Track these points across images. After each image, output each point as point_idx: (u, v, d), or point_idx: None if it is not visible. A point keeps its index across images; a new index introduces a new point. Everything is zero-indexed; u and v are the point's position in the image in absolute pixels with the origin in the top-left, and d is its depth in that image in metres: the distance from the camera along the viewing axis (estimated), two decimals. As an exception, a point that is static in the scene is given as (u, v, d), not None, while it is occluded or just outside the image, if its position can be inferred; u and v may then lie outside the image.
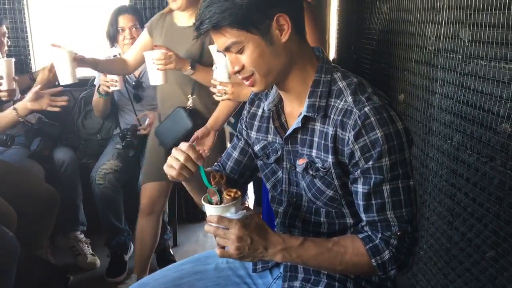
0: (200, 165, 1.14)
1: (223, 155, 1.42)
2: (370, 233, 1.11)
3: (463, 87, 1.60)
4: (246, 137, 1.35)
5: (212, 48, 2.07)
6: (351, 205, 1.16)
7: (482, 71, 1.49)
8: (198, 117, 2.22)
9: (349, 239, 1.13)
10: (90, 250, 2.76)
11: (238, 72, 1.13)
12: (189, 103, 2.25)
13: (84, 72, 3.27)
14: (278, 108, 1.25)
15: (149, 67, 2.09)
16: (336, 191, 1.14)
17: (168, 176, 1.18)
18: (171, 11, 2.24)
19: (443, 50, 1.75)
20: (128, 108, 2.78)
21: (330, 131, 1.10)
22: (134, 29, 2.67)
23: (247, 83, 1.14)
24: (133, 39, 2.64)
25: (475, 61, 1.53)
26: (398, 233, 1.08)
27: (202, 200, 1.12)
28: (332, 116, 1.11)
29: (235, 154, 1.38)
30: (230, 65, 1.13)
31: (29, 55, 3.11)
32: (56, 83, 2.41)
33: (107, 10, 2.79)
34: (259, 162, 1.33)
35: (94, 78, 2.84)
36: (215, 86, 2.03)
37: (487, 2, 1.44)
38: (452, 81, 1.67)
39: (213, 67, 2.07)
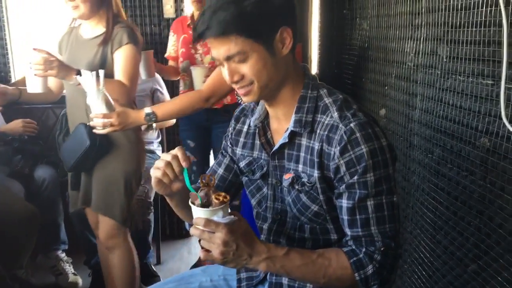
0: (185, 167, 1.11)
1: (207, 171, 1.41)
2: (354, 247, 1.12)
3: (442, 102, 1.63)
4: (231, 154, 1.35)
5: (81, 78, 1.82)
6: (335, 220, 1.17)
7: (460, 86, 1.51)
8: (99, 134, 1.95)
9: (333, 252, 1.13)
10: (72, 269, 2.71)
11: (236, 82, 1.12)
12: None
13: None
14: (264, 125, 1.26)
15: (27, 73, 1.94)
16: (321, 206, 1.15)
17: (153, 180, 1.15)
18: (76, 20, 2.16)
19: (422, 66, 1.78)
20: (110, 124, 2.75)
21: (316, 146, 1.12)
22: None
23: (242, 91, 1.14)
24: None
25: (453, 76, 1.56)
26: (382, 249, 1.09)
27: (189, 202, 1.10)
28: (318, 131, 1.12)
29: (220, 171, 1.38)
30: (227, 75, 1.12)
31: (9, 66, 3.12)
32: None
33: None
34: (245, 179, 1.33)
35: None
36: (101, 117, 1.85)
37: (464, 20, 1.47)
38: (432, 96, 1.70)
39: (87, 100, 1.86)
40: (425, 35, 1.75)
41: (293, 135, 1.16)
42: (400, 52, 1.98)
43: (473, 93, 1.45)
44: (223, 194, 1.09)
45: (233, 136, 1.34)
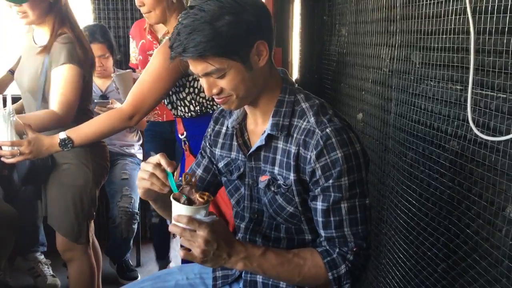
0: (169, 171, 1.12)
1: (187, 171, 1.44)
2: (328, 247, 1.16)
3: (415, 107, 1.68)
4: (210, 155, 1.38)
5: None
6: (310, 221, 1.20)
7: (431, 91, 1.57)
8: None
9: (308, 252, 1.17)
10: (51, 271, 2.70)
11: (216, 94, 1.15)
12: None
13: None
14: (241, 126, 1.29)
15: None
16: (296, 207, 1.18)
17: (140, 191, 1.17)
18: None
19: (396, 72, 1.83)
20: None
21: (293, 149, 1.15)
22: (103, 58, 2.70)
23: (220, 101, 1.16)
24: (102, 67, 2.67)
25: (426, 82, 1.61)
26: (354, 249, 1.14)
27: (171, 197, 1.10)
28: (295, 135, 1.16)
29: (199, 171, 1.40)
30: (206, 89, 1.14)
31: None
32: None
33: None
34: (223, 179, 1.36)
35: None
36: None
37: (436, 27, 1.53)
38: (405, 101, 1.75)
39: None
40: (399, 41, 1.81)
41: (269, 138, 1.20)
42: (376, 58, 2.03)
43: (443, 98, 1.50)
44: (207, 193, 1.12)
45: (212, 137, 1.37)
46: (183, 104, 1.92)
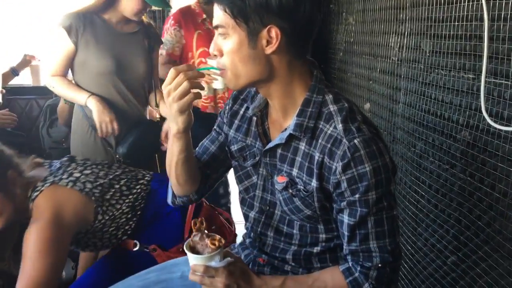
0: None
1: (197, 148, 1.37)
2: (350, 264, 1.11)
3: (424, 96, 1.65)
4: (226, 132, 1.32)
5: None
6: (327, 222, 1.15)
7: (442, 80, 1.53)
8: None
9: (329, 273, 1.14)
10: None
11: (215, 56, 1.10)
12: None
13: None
14: (262, 114, 1.22)
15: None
16: (314, 211, 1.12)
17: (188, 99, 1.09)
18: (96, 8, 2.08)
19: (406, 60, 1.80)
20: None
21: (317, 156, 1.08)
22: None
23: (220, 72, 1.12)
24: None
25: (436, 70, 1.57)
26: (379, 265, 1.08)
27: (184, 248, 1.10)
28: (320, 141, 1.08)
29: (213, 148, 1.34)
30: (212, 43, 1.10)
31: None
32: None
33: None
34: (234, 163, 1.29)
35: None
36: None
37: (447, 14, 1.49)
38: (415, 90, 1.72)
39: None
40: (409, 29, 1.77)
41: (290, 137, 1.12)
42: (385, 47, 1.99)
43: (454, 87, 1.46)
44: (217, 238, 1.09)
45: (229, 116, 1.29)
46: None
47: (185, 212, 1.69)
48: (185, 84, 1.06)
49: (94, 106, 2.06)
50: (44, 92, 3.05)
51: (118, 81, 2.14)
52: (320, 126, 1.09)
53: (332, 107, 1.10)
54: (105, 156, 2.16)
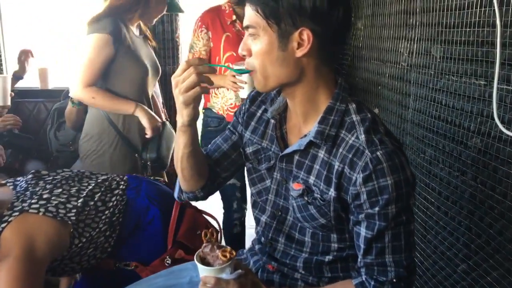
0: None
1: (210, 145, 1.36)
2: (364, 278, 1.09)
3: (435, 102, 1.63)
4: (240, 132, 1.30)
5: None
6: (341, 232, 1.14)
7: (453, 86, 1.52)
8: None
9: (341, 287, 1.12)
10: None
11: (244, 56, 1.09)
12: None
13: (57, 83, 3.25)
14: (281, 117, 1.21)
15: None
16: (329, 221, 1.11)
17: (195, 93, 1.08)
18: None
19: (415, 66, 1.78)
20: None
21: (336, 165, 1.06)
22: None
23: (250, 72, 1.11)
24: None
25: (447, 76, 1.56)
26: (394, 280, 1.06)
27: (195, 260, 1.08)
28: (340, 150, 1.07)
29: (225, 147, 1.32)
30: (242, 43, 1.09)
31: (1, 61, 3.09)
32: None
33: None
34: (248, 165, 1.28)
35: (68, 90, 2.80)
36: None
37: (458, 20, 1.48)
38: (425, 96, 1.70)
39: None
40: (419, 35, 1.75)
41: (309, 144, 1.11)
42: (394, 52, 1.98)
43: (465, 94, 1.45)
44: (228, 249, 1.07)
45: (245, 118, 1.28)
46: None
47: (167, 218, 1.62)
48: (193, 77, 1.05)
49: (144, 113, 2.08)
50: (52, 95, 3.06)
51: (146, 85, 2.16)
52: (342, 135, 1.08)
53: (355, 117, 1.08)
54: (131, 163, 2.15)
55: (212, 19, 2.41)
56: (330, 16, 1.02)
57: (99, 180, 1.58)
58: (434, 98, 1.64)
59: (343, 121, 1.08)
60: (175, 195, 1.37)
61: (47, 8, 3.72)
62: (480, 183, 1.38)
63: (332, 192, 1.07)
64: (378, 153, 1.01)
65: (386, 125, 1.13)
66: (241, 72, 1.15)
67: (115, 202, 1.54)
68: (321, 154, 1.10)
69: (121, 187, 1.60)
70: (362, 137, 1.04)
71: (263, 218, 1.25)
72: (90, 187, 1.53)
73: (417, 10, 1.76)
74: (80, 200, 1.46)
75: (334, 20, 1.03)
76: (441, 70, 1.59)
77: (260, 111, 1.26)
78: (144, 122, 2.07)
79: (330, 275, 1.18)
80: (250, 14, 1.05)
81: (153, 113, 2.12)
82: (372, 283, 1.07)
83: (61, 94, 2.95)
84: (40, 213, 1.36)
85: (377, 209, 1.02)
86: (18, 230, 1.31)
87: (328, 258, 1.16)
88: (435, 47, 1.63)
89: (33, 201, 1.38)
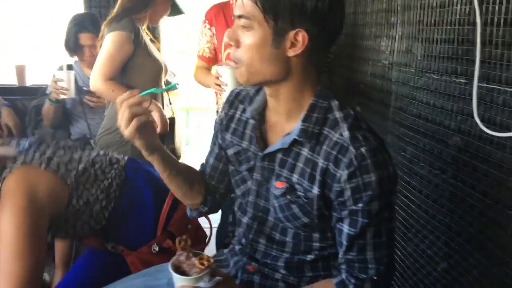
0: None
1: (204, 161, 1.37)
2: (344, 276, 1.09)
3: (415, 100, 1.63)
4: (220, 141, 1.29)
5: None
6: (323, 231, 1.13)
7: (433, 84, 1.52)
8: None
9: (321, 287, 1.12)
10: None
11: (230, 45, 1.07)
12: None
13: (35, 80, 3.19)
14: (260, 117, 1.19)
15: None
16: (312, 219, 1.10)
17: (131, 134, 1.10)
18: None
19: (397, 64, 1.78)
20: (80, 116, 2.69)
21: (320, 163, 1.05)
22: (93, 48, 2.61)
23: (233, 64, 1.08)
24: (93, 57, 2.59)
25: (427, 75, 1.56)
26: (374, 277, 1.06)
27: (170, 269, 1.06)
28: (324, 147, 1.05)
29: (211, 160, 1.33)
30: (231, 32, 1.06)
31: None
32: None
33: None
34: (231, 167, 1.27)
35: (46, 87, 2.74)
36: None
37: (439, 18, 1.47)
38: (406, 94, 1.70)
39: None
40: (400, 33, 1.75)
41: (293, 142, 1.09)
42: (376, 50, 1.98)
43: (446, 92, 1.45)
44: (205, 256, 1.06)
45: (224, 122, 1.27)
46: None
47: (161, 204, 1.63)
48: (127, 112, 1.06)
49: (157, 109, 2.07)
50: (29, 92, 2.99)
51: (160, 81, 2.24)
52: (325, 132, 1.07)
53: (338, 114, 1.07)
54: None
55: (216, 13, 2.33)
56: (329, 18, 1.01)
57: (100, 153, 1.62)
58: (415, 97, 1.63)
59: (326, 118, 1.08)
60: (188, 213, 1.40)
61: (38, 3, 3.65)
62: (460, 182, 1.38)
63: (315, 190, 1.06)
64: (362, 149, 1.01)
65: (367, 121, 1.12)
66: (163, 90, 1.16)
67: (113, 175, 1.57)
68: (305, 152, 1.08)
69: (120, 163, 1.62)
70: (346, 133, 1.03)
71: (244, 220, 1.23)
72: (92, 156, 1.56)
73: (398, 8, 1.76)
74: (81, 165, 1.49)
75: (332, 23, 1.02)
76: (422, 68, 1.59)
77: (239, 112, 1.24)
78: (156, 117, 2.07)
79: (311, 274, 1.17)
80: (247, 4, 1.01)
81: (163, 111, 2.14)
82: (353, 281, 1.07)
83: (38, 92, 2.89)
84: (42, 167, 1.39)
85: (360, 205, 1.02)
86: (21, 178, 1.33)
87: (309, 257, 1.15)
88: (416, 45, 1.63)
89: (35, 156, 1.42)
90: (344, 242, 1.07)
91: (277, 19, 1.00)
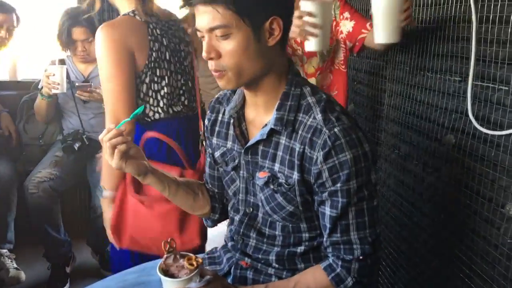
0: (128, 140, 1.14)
1: (204, 175, 1.40)
2: (331, 260, 1.10)
3: (410, 98, 1.63)
4: (209, 147, 1.31)
5: None
6: (310, 220, 1.14)
7: (428, 82, 1.51)
8: None
9: (310, 274, 1.12)
10: (14, 264, 2.60)
11: (211, 59, 1.05)
12: None
13: (27, 75, 3.16)
14: (239, 115, 1.20)
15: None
16: (297, 207, 1.11)
17: (119, 164, 1.14)
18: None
19: (391, 62, 1.78)
20: (72, 111, 2.67)
21: (297, 147, 1.07)
22: (86, 42, 2.59)
23: (216, 74, 1.07)
24: (85, 51, 2.57)
25: (422, 72, 1.56)
26: (360, 257, 1.07)
27: (158, 273, 1.06)
28: (300, 132, 1.07)
29: (207, 169, 1.36)
30: (205, 49, 1.05)
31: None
32: None
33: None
34: (220, 169, 1.29)
35: (39, 81, 2.72)
36: None
37: (434, 15, 1.47)
38: (400, 92, 1.70)
39: None
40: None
41: (271, 133, 1.11)
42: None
43: (440, 90, 1.45)
44: (193, 257, 1.05)
45: (209, 127, 1.29)
46: None
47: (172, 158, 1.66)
48: (107, 145, 1.12)
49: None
50: (21, 87, 2.96)
51: None
52: (300, 118, 1.09)
53: (311, 99, 1.09)
54: None
55: None
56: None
57: None
58: (409, 94, 1.63)
59: (300, 104, 1.10)
60: (204, 223, 1.43)
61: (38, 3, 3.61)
62: (454, 180, 1.38)
63: (295, 175, 1.08)
64: (335, 129, 1.03)
65: (357, 118, 1.13)
66: (132, 117, 1.22)
67: None
68: (283, 140, 1.10)
69: None
70: (319, 116, 1.06)
71: (237, 218, 1.25)
72: None
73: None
74: None
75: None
76: (416, 66, 1.59)
77: (220, 115, 1.26)
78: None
79: (303, 266, 1.18)
80: (216, 15, 1.00)
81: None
82: (340, 263, 1.08)
83: (31, 86, 2.87)
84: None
85: (339, 185, 1.03)
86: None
87: (300, 249, 1.16)
88: (411, 43, 1.63)
89: None
90: (328, 225, 1.08)
91: (252, 14, 1.01)
